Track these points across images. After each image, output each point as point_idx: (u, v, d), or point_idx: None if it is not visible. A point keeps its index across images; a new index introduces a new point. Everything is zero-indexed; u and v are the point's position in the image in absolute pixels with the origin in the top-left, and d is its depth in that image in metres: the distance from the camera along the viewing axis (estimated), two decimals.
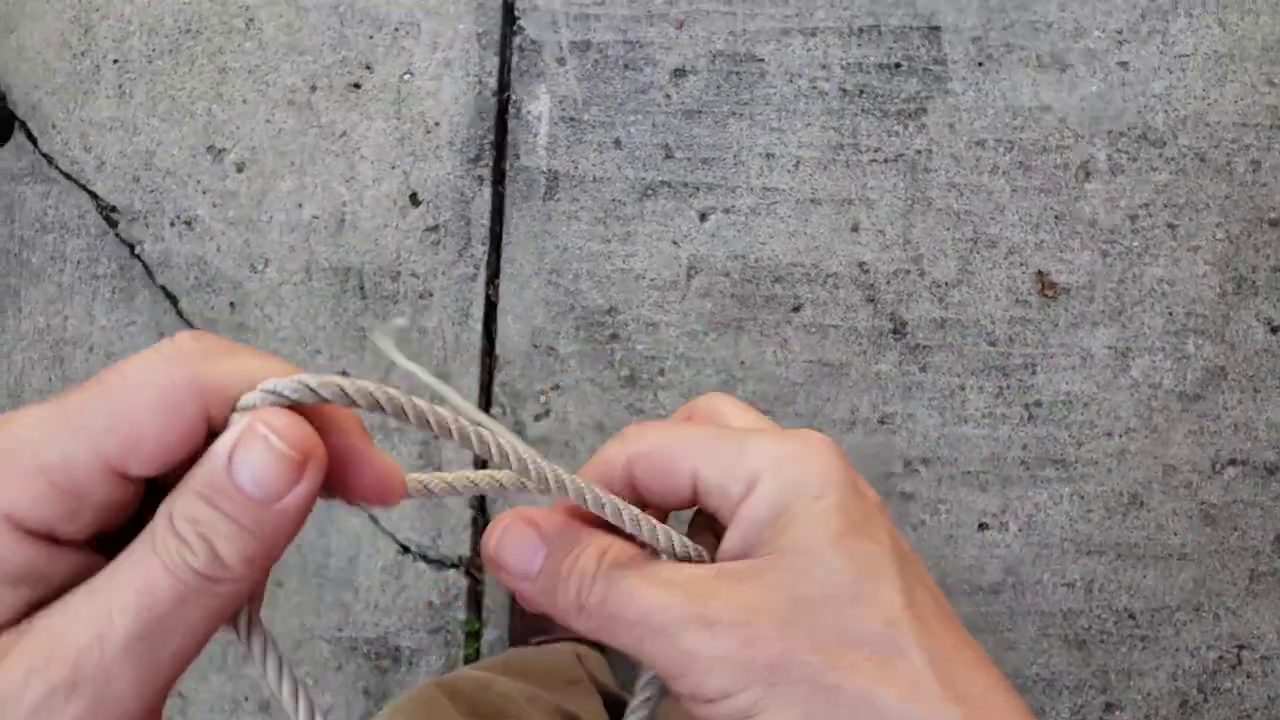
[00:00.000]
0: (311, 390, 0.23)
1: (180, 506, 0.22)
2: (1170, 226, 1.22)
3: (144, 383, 0.22)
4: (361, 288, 1.25)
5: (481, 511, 1.24)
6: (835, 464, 0.28)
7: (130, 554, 0.22)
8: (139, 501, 0.24)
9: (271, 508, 0.22)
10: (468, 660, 1.22)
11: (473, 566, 1.23)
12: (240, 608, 0.25)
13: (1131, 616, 1.20)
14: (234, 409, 0.23)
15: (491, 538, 0.29)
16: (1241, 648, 1.20)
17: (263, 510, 0.22)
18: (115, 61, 1.30)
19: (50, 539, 0.22)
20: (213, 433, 0.23)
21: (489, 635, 1.23)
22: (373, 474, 0.26)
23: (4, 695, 0.21)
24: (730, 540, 0.28)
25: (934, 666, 0.25)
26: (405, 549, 1.23)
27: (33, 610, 0.22)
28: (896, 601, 0.26)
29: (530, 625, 1.16)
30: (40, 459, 0.21)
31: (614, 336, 1.24)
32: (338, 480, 0.25)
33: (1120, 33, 1.24)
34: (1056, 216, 1.23)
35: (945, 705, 0.25)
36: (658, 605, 0.27)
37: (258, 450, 0.22)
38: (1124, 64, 1.24)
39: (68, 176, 1.29)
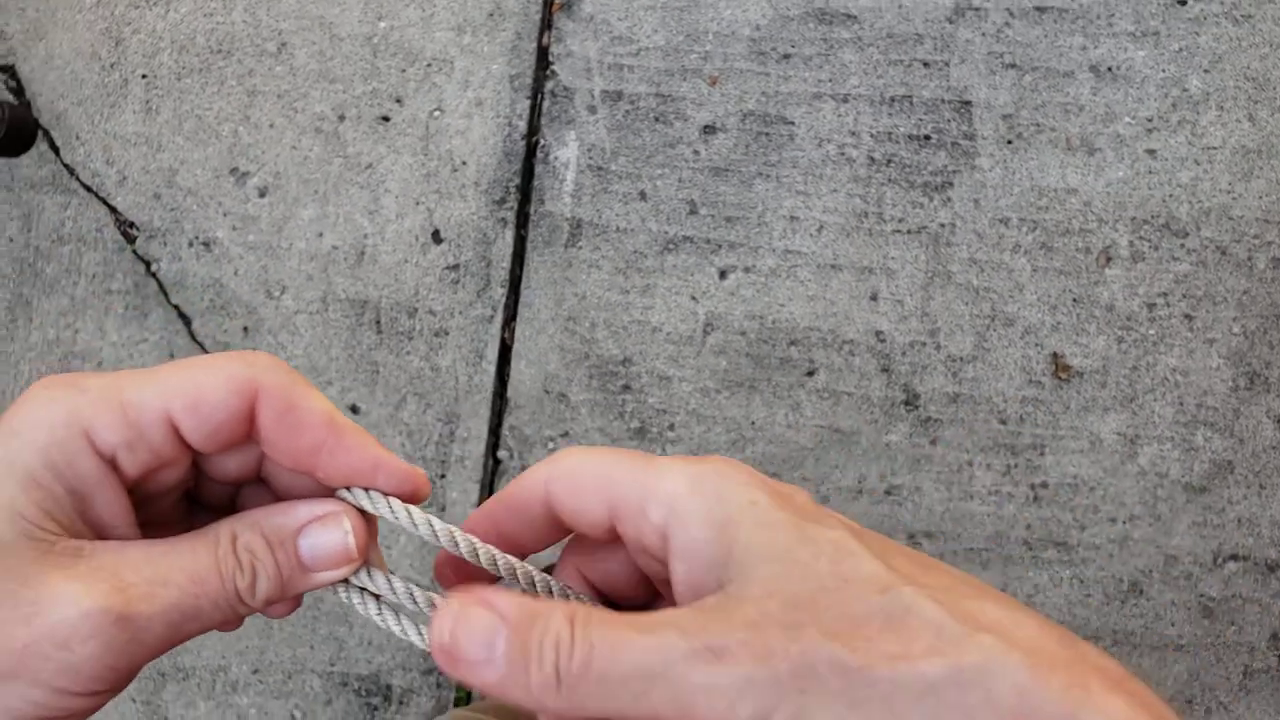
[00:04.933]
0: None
1: (246, 538, 0.29)
2: (1187, 317, 1.24)
3: (218, 367, 0.28)
4: (378, 321, 1.26)
5: None
6: (752, 474, 0.28)
7: (191, 547, 0.28)
8: (175, 503, 0.32)
9: (307, 575, 0.30)
10: (458, 703, 1.23)
11: None
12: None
13: None
14: (338, 491, 0.31)
15: (444, 628, 0.27)
16: None
17: (300, 573, 0.30)
18: (144, 76, 1.31)
19: (111, 464, 0.28)
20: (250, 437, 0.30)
21: None
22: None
23: (70, 598, 0.26)
24: (679, 572, 0.27)
25: (947, 609, 0.25)
26: None
27: (66, 529, 0.28)
28: (880, 571, 0.26)
29: None
30: (122, 395, 0.27)
31: (626, 388, 1.26)
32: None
33: (1150, 120, 1.26)
34: (1075, 299, 1.25)
35: (974, 639, 0.25)
36: (655, 648, 0.25)
37: (333, 535, 0.30)
38: (1152, 152, 1.26)
39: (88, 189, 1.30)
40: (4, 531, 0.26)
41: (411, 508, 0.31)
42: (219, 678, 1.25)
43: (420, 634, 0.30)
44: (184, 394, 0.28)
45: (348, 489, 0.31)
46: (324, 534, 0.30)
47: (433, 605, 0.30)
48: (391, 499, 0.31)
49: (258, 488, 0.33)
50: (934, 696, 0.24)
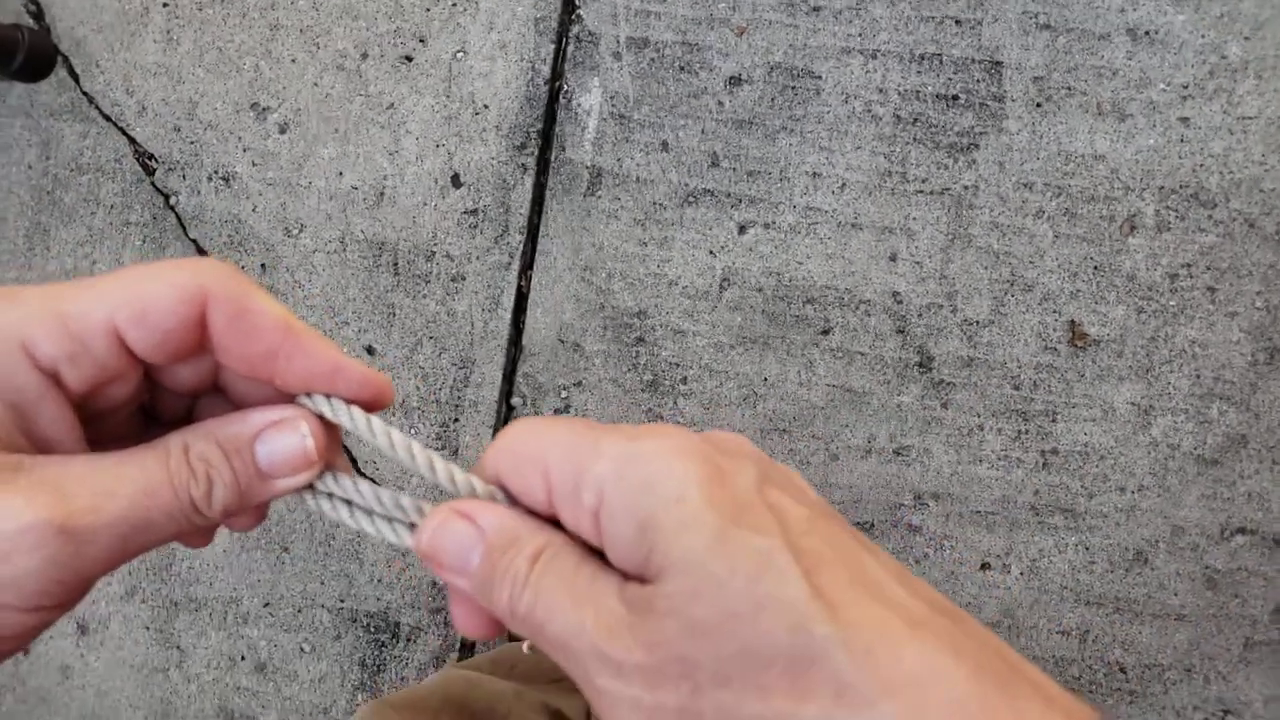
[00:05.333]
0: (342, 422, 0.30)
1: (199, 447, 0.28)
2: (1210, 290, 1.23)
3: (163, 275, 0.27)
4: (395, 264, 1.26)
5: None
6: (691, 455, 0.26)
7: (140, 458, 0.27)
8: (128, 418, 0.31)
9: (266, 483, 0.29)
10: (463, 646, 1.25)
11: None
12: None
13: (1123, 670, 1.23)
14: (298, 397, 0.30)
15: (425, 531, 0.29)
16: (1227, 712, 1.23)
17: (258, 481, 0.29)
18: (165, 5, 1.29)
19: (53, 379, 0.27)
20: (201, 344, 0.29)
21: None
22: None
23: (11, 511, 0.25)
24: (611, 558, 0.27)
25: (856, 662, 0.23)
26: (413, 526, 1.25)
27: (6, 446, 0.27)
28: (801, 595, 0.24)
29: None
30: (62, 306, 0.26)
31: (640, 340, 1.26)
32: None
33: (1186, 87, 1.24)
34: (1096, 267, 1.24)
35: (874, 705, 0.23)
36: (573, 631, 0.26)
37: (289, 440, 0.29)
38: (1185, 120, 1.24)
39: (107, 118, 1.29)
40: None
41: (372, 417, 0.30)
42: (230, 609, 1.27)
43: (395, 533, 0.31)
44: (128, 303, 0.26)
45: (308, 396, 0.30)
46: (281, 439, 0.29)
47: (399, 506, 0.30)
48: (353, 407, 0.30)
49: (215, 399, 0.32)
50: None
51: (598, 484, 0.26)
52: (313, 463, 0.29)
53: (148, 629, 1.27)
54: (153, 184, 1.30)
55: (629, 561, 0.26)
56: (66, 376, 0.27)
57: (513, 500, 0.29)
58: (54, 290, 0.26)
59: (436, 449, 1.27)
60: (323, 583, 1.26)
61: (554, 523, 0.28)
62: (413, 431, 1.26)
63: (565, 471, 0.27)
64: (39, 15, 1.31)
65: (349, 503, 0.31)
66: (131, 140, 1.30)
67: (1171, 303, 1.25)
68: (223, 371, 0.31)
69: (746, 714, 0.23)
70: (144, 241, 1.29)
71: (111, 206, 1.30)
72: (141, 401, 0.31)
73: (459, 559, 0.28)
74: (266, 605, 1.27)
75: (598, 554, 0.27)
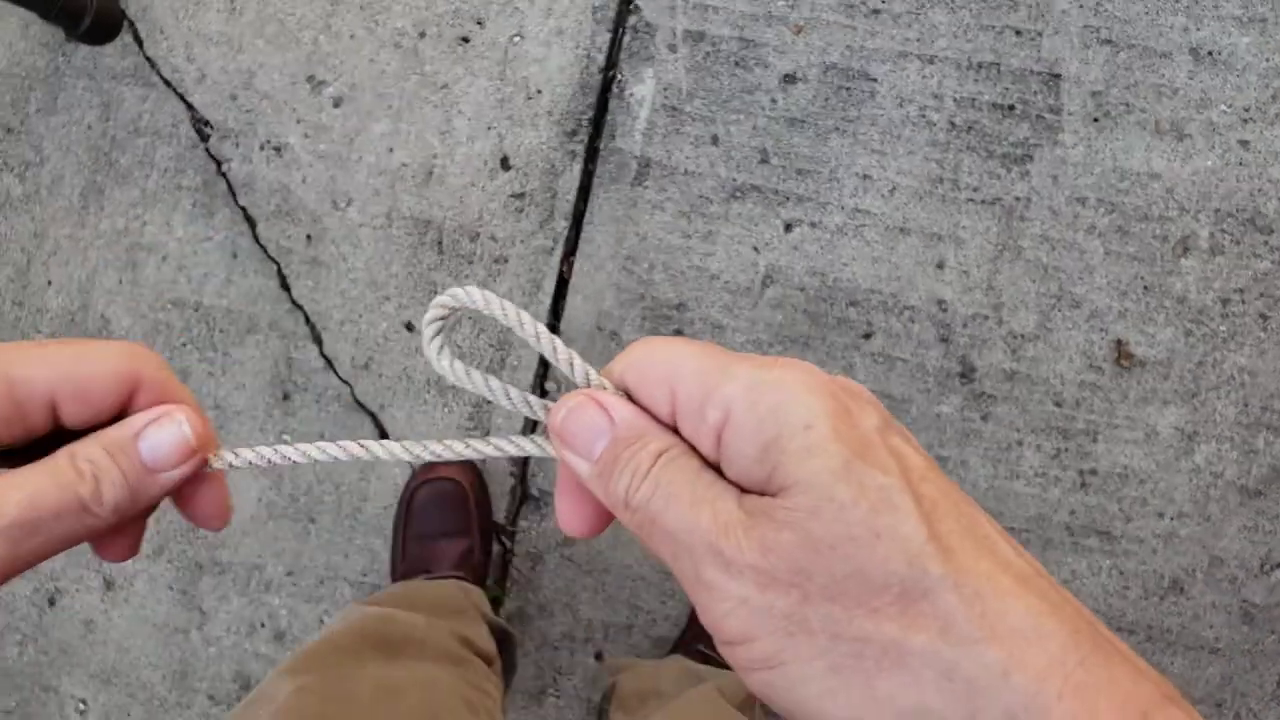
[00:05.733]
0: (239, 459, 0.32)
1: (84, 451, 0.29)
2: (1262, 317, 1.21)
3: (107, 357, 0.29)
4: (440, 243, 1.27)
5: (521, 481, 1.26)
6: (820, 390, 0.26)
7: (30, 472, 0.29)
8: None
9: (153, 477, 0.30)
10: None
11: (504, 534, 1.25)
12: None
13: None
14: (210, 461, 0.32)
15: (560, 410, 0.29)
16: None
17: (146, 476, 0.30)
18: None
19: None
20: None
21: (509, 606, 1.25)
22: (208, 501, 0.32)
23: None
24: (730, 475, 0.27)
25: (965, 604, 0.24)
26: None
27: None
28: (919, 534, 0.24)
29: (412, 565, 1.20)
30: (11, 371, 0.28)
31: (678, 332, 1.25)
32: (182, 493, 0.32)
33: (1247, 110, 1.22)
34: (1146, 287, 1.22)
35: (979, 647, 0.23)
36: (687, 525, 0.26)
37: (169, 430, 0.30)
38: (1245, 143, 1.22)
39: (167, 84, 1.31)
40: None
41: (523, 311, 0.31)
42: (254, 575, 1.27)
43: (529, 405, 0.32)
44: (70, 380, 0.28)
45: (464, 291, 0.32)
46: (160, 432, 0.30)
47: (526, 402, 0.32)
48: (506, 301, 0.31)
49: None
50: (915, 690, 0.24)
51: (725, 403, 0.27)
52: (193, 451, 0.30)
53: (171, 589, 1.28)
54: (206, 150, 1.31)
55: (748, 479, 0.26)
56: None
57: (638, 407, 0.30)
58: (12, 352, 0.28)
59: (469, 429, 1.27)
60: (346, 556, 1.26)
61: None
62: (446, 410, 1.26)
63: (693, 389, 0.27)
64: None
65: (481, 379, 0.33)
66: (189, 106, 1.32)
67: (1222, 328, 1.22)
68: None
69: (854, 630, 0.24)
70: (194, 205, 1.31)
71: (165, 170, 1.32)
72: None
73: (586, 443, 0.29)
74: (290, 574, 1.27)
75: (714, 469, 0.28)
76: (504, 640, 1.05)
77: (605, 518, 0.31)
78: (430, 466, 1.23)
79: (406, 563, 1.22)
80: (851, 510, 0.25)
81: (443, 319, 0.31)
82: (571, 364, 0.30)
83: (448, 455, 0.32)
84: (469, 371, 0.32)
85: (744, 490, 0.27)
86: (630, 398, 0.30)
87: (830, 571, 0.24)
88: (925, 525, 0.25)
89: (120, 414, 0.30)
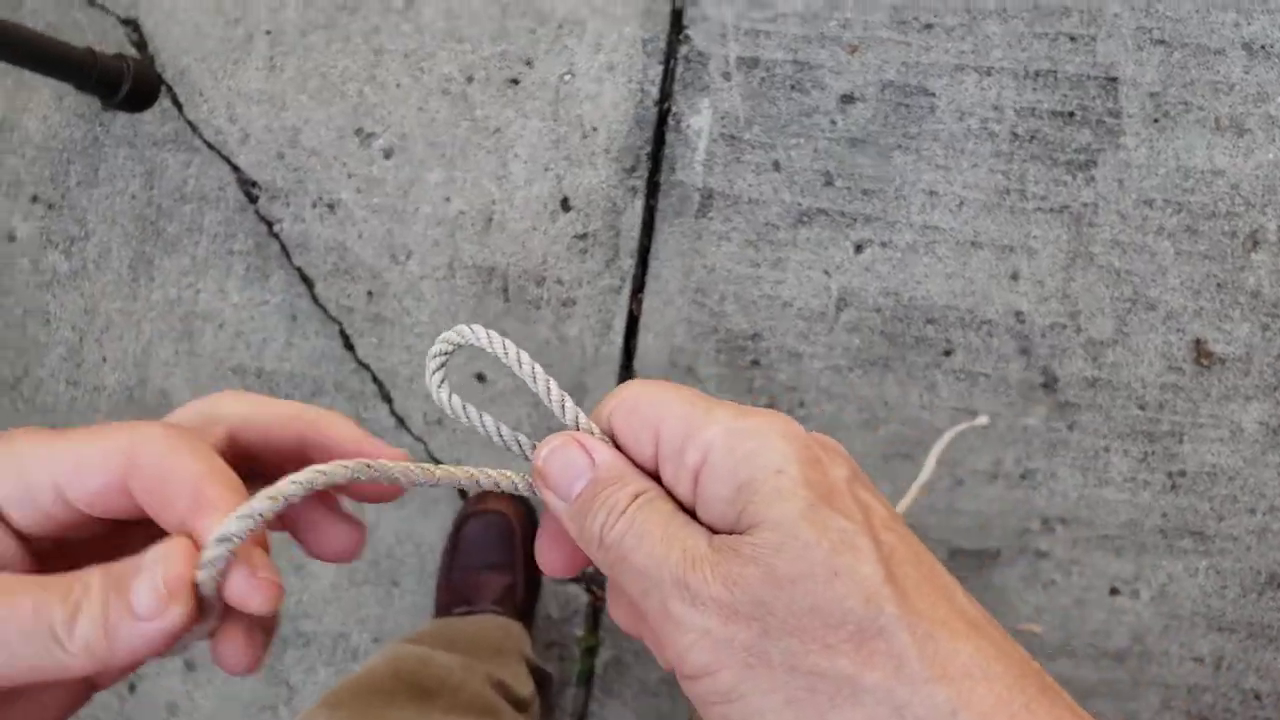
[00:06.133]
0: (257, 518, 0.28)
1: (88, 575, 0.27)
2: None
3: (104, 439, 0.28)
4: (505, 289, 1.24)
5: None
6: (795, 440, 0.28)
7: (37, 579, 0.27)
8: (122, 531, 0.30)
9: (133, 622, 0.26)
10: (580, 675, 1.22)
11: (594, 584, 1.23)
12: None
13: (1258, 698, 1.20)
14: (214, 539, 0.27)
15: (544, 448, 0.31)
16: None
17: (127, 617, 0.26)
18: (268, 32, 1.29)
19: (20, 536, 0.28)
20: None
21: (605, 654, 1.23)
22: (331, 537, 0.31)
23: None
24: (701, 517, 0.29)
25: (918, 644, 0.25)
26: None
27: None
28: (876, 575, 0.26)
29: (454, 596, 1.18)
30: (24, 457, 0.28)
31: (755, 363, 1.24)
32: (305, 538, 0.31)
33: None
34: (1219, 284, 1.22)
35: (930, 686, 0.25)
36: (657, 561, 0.27)
37: (146, 580, 0.26)
38: None
39: (211, 146, 1.28)
40: None
41: (522, 351, 0.33)
42: (339, 644, 1.24)
43: (518, 443, 0.33)
44: (65, 464, 0.28)
45: (475, 334, 0.33)
46: (141, 579, 0.26)
47: (516, 440, 0.33)
48: (506, 339, 0.33)
49: None
50: None
51: (705, 446, 0.28)
52: (163, 600, 0.26)
53: None
54: (256, 212, 1.28)
55: (721, 520, 0.28)
56: (13, 516, 0.28)
57: (619, 450, 0.31)
58: (37, 438, 0.28)
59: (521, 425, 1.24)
60: (431, 617, 1.23)
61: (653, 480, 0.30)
62: (526, 462, 1.24)
63: (676, 430, 0.29)
64: (141, 45, 1.30)
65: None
66: (235, 168, 1.29)
67: None
68: None
69: (811, 665, 0.25)
70: (247, 270, 1.28)
71: (215, 235, 1.28)
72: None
73: (566, 481, 0.30)
74: (376, 640, 1.24)
75: (689, 514, 0.29)
76: (542, 681, 1.05)
77: (580, 560, 0.32)
78: (480, 498, 1.21)
79: (449, 593, 1.20)
80: (814, 549, 0.26)
81: (447, 354, 0.33)
82: (564, 406, 0.32)
83: (427, 480, 0.31)
84: (465, 406, 0.33)
85: (715, 532, 0.28)
86: (615, 443, 0.31)
87: (790, 606, 0.25)
88: (883, 568, 0.26)
89: (127, 498, 0.28)
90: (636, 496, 0.29)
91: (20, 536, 0.28)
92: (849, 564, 0.26)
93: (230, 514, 0.27)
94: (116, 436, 0.28)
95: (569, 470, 0.30)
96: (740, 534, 0.27)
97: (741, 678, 0.26)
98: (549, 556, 0.32)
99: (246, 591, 0.27)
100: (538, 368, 0.32)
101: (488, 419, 0.33)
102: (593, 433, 0.31)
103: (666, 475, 0.29)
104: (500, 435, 0.33)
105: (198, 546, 0.27)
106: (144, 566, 0.27)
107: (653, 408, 0.30)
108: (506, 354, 0.32)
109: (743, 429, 0.28)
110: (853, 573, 0.26)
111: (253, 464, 0.31)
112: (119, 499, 0.28)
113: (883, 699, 0.25)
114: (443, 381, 0.33)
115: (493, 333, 0.32)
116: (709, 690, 0.26)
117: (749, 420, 0.28)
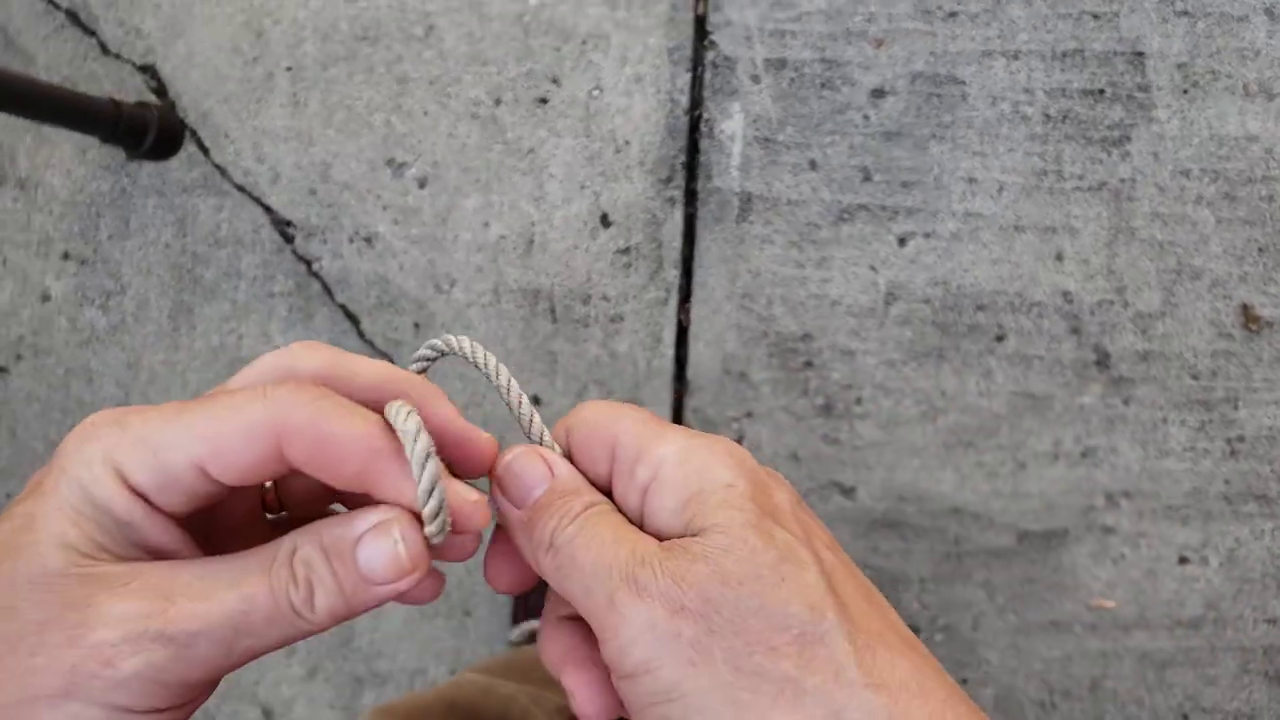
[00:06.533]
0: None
1: (304, 550, 0.28)
2: None
3: (236, 413, 0.27)
4: (552, 310, 1.24)
5: None
6: (743, 463, 0.29)
7: (243, 563, 0.28)
8: (245, 502, 0.31)
9: (369, 588, 0.28)
10: None
11: None
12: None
13: None
14: (386, 413, 0.29)
15: (506, 455, 0.31)
16: None
17: (362, 586, 0.28)
18: (288, 69, 1.27)
19: (147, 502, 0.27)
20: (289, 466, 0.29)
21: None
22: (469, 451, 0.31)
23: (114, 618, 0.26)
24: (650, 533, 0.29)
25: (858, 653, 0.26)
26: None
27: (120, 556, 0.27)
28: (820, 585, 0.27)
29: (531, 609, 1.18)
30: (153, 439, 0.27)
31: (808, 364, 1.23)
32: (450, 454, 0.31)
33: None
34: (1261, 249, 1.23)
35: (866, 692, 0.25)
36: (606, 560, 0.28)
37: (384, 545, 0.28)
38: None
39: (241, 189, 1.26)
40: (54, 560, 0.26)
41: (502, 365, 0.34)
42: (416, 680, 1.23)
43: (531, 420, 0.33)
44: (205, 441, 0.27)
45: (443, 349, 0.34)
46: (376, 544, 0.28)
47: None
48: (488, 351, 0.34)
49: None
50: None
51: (657, 462, 0.29)
52: (406, 571, 0.28)
53: (332, 708, 1.23)
54: (293, 251, 1.27)
55: (666, 529, 0.28)
56: (159, 501, 0.27)
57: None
58: (157, 417, 0.27)
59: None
60: (517, 643, 1.23)
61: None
62: None
63: (630, 448, 0.29)
64: (161, 91, 1.28)
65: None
66: (267, 209, 1.27)
67: None
68: None
69: (754, 665, 0.26)
70: (290, 311, 1.26)
71: (254, 278, 1.27)
72: (267, 502, 0.33)
73: (524, 489, 0.30)
74: (452, 673, 1.23)
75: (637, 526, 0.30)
76: None
77: (530, 577, 0.32)
78: None
79: (526, 608, 1.20)
80: (762, 554, 0.26)
81: (429, 360, 0.33)
82: (531, 422, 0.32)
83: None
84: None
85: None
86: (572, 459, 0.32)
87: (737, 605, 0.26)
88: (826, 580, 0.27)
89: (278, 465, 0.28)
90: (590, 506, 0.29)
91: (178, 522, 0.28)
92: (794, 571, 0.26)
93: (423, 487, 0.28)
94: (254, 407, 0.27)
95: (528, 478, 0.31)
96: (689, 536, 0.27)
97: (683, 675, 0.26)
98: (499, 572, 0.33)
99: (472, 516, 0.29)
100: (513, 381, 0.33)
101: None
102: (554, 449, 0.32)
103: (618, 490, 0.30)
104: (520, 407, 0.33)
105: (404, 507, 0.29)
106: (369, 533, 0.28)
107: (608, 426, 0.30)
108: (485, 364, 0.33)
109: (694, 447, 0.29)
110: (798, 579, 0.26)
111: None
112: (270, 467, 0.28)
113: (822, 701, 0.25)
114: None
115: (474, 343, 0.33)
116: (648, 690, 0.26)
117: (700, 440, 0.29)
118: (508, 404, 0.33)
